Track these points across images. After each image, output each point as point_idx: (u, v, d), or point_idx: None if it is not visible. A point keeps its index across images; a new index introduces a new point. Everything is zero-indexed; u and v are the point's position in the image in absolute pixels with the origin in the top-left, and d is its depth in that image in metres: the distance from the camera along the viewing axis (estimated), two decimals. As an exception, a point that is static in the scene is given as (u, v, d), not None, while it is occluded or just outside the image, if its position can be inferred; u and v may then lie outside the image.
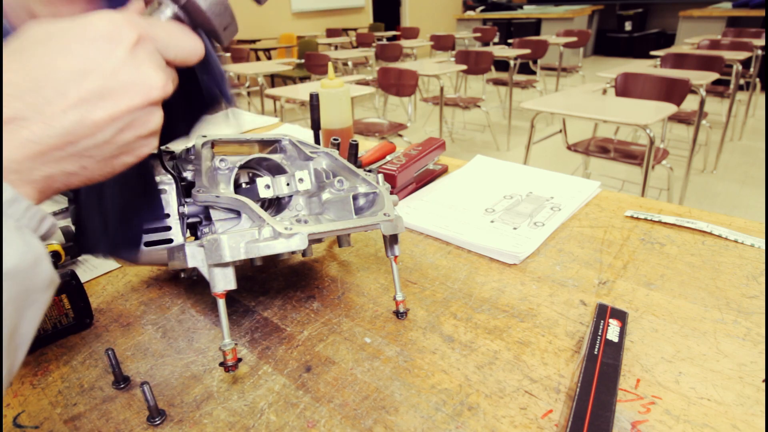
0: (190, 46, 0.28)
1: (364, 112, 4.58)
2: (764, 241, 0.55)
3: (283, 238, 0.36)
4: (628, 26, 7.18)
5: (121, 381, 0.39)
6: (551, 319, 0.45)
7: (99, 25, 0.24)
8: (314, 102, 0.54)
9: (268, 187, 0.45)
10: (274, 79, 5.58)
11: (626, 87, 2.24)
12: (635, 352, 0.40)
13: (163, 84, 0.26)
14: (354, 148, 0.56)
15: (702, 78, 2.15)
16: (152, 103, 0.26)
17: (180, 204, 0.43)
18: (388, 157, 0.78)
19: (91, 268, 0.57)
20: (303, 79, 4.85)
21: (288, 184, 0.46)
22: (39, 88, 0.22)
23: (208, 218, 0.43)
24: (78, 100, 0.23)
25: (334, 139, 0.54)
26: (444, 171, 0.82)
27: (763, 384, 0.36)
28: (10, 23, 0.36)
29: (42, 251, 0.23)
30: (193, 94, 0.34)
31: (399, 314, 0.46)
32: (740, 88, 3.36)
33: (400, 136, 2.69)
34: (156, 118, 0.27)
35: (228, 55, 4.55)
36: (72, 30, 0.24)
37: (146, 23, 0.26)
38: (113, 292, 0.53)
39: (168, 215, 0.43)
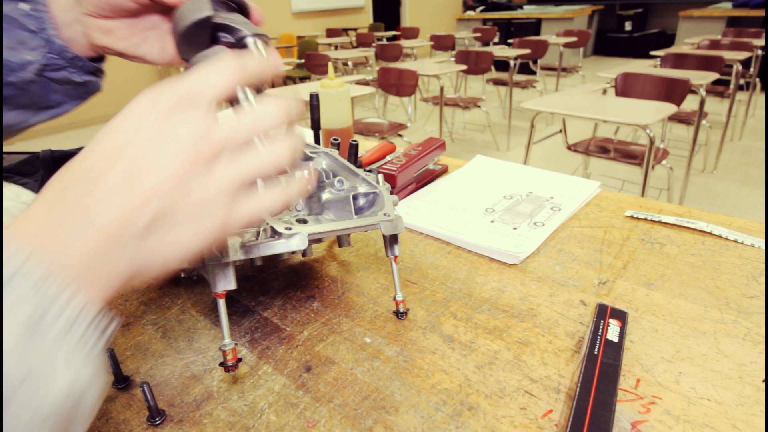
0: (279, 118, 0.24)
1: (364, 112, 4.58)
2: (764, 241, 0.55)
3: (283, 238, 0.36)
4: (628, 26, 7.19)
5: (121, 381, 0.39)
6: (551, 319, 0.45)
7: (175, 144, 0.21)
8: (314, 102, 0.54)
9: (268, 187, 0.45)
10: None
11: (626, 87, 2.24)
12: (635, 352, 0.40)
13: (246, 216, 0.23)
14: (354, 148, 0.56)
15: (702, 78, 2.16)
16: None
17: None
18: (388, 157, 0.78)
19: (91, 268, 0.57)
20: (303, 79, 4.85)
21: (288, 184, 0.46)
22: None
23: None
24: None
25: (334, 139, 0.54)
26: (444, 171, 0.82)
27: (763, 384, 0.36)
28: (61, 38, 0.37)
29: (91, 375, 0.19)
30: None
31: (399, 314, 0.46)
32: (740, 88, 3.36)
33: (400, 136, 2.70)
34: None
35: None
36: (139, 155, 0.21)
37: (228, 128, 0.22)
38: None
39: None
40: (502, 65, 4.56)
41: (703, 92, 2.14)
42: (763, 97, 4.51)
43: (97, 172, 0.20)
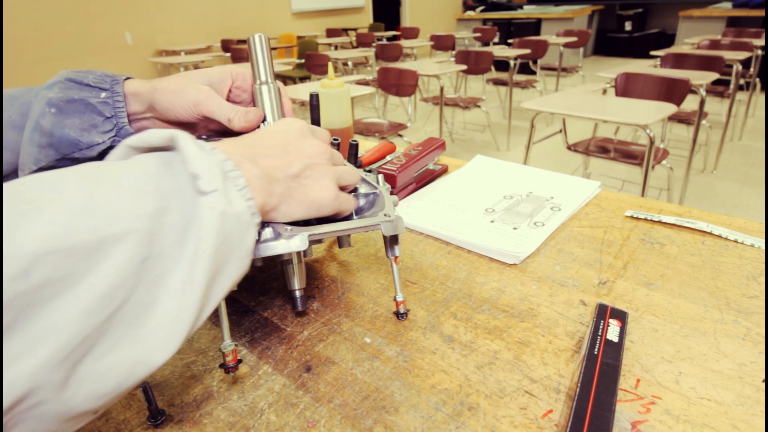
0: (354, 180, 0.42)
1: (364, 112, 4.58)
2: (764, 241, 0.55)
3: (284, 238, 0.36)
4: (628, 26, 7.19)
5: (121, 381, 0.39)
6: (551, 319, 0.45)
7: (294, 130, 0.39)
8: (314, 102, 0.54)
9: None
10: (274, 79, 5.57)
11: (626, 87, 2.24)
12: (635, 352, 0.40)
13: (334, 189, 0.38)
14: (354, 148, 0.56)
15: (702, 78, 2.16)
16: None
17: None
18: (388, 157, 0.78)
19: (91, 268, 0.57)
20: (303, 79, 4.85)
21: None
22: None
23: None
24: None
25: (334, 139, 0.54)
26: (444, 171, 0.82)
27: (763, 384, 0.36)
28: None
29: (253, 223, 0.30)
30: None
31: (399, 315, 0.46)
32: (740, 88, 3.36)
33: (400, 136, 2.70)
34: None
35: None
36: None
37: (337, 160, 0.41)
38: (113, 292, 0.53)
39: None
40: (502, 65, 4.57)
41: (703, 92, 2.14)
42: (763, 97, 4.51)
43: (262, 139, 0.36)
